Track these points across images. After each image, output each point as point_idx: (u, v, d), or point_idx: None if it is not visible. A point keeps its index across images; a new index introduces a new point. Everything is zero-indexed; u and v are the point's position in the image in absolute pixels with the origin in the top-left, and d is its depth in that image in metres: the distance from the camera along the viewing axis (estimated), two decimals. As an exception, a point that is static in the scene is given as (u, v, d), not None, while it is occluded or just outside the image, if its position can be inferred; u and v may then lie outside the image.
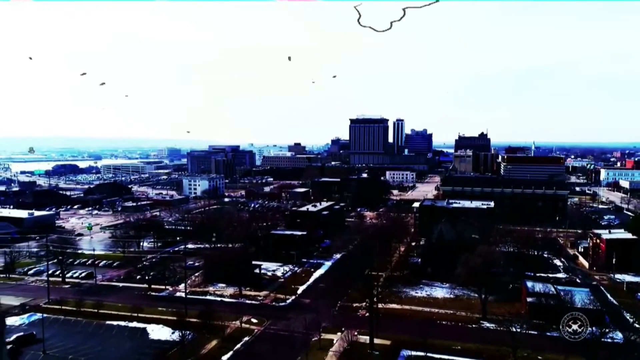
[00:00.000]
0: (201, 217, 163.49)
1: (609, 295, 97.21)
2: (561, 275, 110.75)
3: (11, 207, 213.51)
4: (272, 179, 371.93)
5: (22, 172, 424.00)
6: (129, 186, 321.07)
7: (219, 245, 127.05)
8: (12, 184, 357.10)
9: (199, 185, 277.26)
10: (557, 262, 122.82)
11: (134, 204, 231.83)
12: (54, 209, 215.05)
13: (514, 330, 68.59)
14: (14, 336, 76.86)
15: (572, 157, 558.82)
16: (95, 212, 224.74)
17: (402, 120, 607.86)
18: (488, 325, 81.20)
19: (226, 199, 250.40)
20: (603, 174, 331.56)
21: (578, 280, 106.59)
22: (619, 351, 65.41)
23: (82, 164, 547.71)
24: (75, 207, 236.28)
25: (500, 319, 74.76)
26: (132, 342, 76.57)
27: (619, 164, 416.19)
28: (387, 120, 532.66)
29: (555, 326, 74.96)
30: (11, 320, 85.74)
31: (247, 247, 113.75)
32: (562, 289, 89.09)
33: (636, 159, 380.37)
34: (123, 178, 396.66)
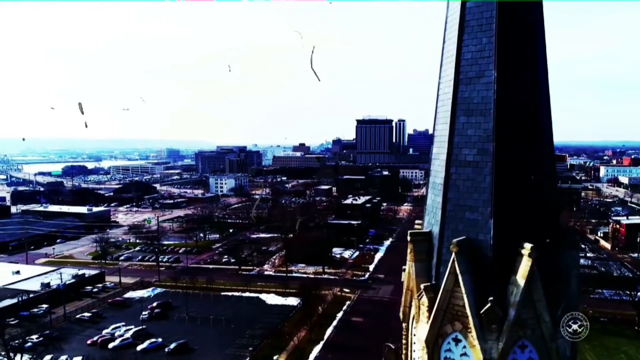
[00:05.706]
0: (256, 212, 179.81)
1: (633, 269, 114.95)
2: (590, 255, 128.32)
3: (45, 205, 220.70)
4: (285, 178, 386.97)
5: (40, 173, 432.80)
6: (154, 185, 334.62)
7: (282, 233, 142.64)
8: (31, 185, 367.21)
9: (225, 183, 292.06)
10: (582, 245, 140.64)
11: (172, 201, 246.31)
12: (93, 207, 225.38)
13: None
14: (155, 303, 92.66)
15: (566, 155, 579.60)
16: (135, 208, 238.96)
17: (404, 120, 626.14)
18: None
19: (256, 196, 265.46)
20: (602, 171, 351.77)
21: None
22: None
23: (87, 165, 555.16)
24: (113, 204, 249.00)
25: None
26: (254, 306, 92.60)
27: (614, 162, 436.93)
28: (392, 120, 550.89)
29: (600, 290, 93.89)
30: (139, 293, 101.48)
31: (323, 232, 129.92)
32: (597, 263, 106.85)
33: (633, 157, 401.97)
34: (137, 178, 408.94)
